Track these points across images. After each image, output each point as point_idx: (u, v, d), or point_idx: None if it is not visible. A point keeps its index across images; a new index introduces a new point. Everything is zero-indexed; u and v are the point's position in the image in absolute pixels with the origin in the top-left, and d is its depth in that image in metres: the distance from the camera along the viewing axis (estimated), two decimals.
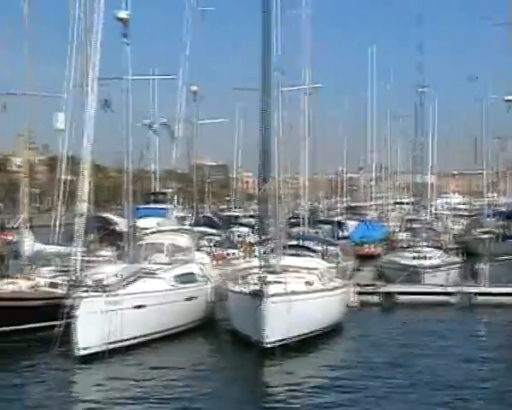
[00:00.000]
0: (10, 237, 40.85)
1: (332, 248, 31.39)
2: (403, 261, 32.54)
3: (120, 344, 19.10)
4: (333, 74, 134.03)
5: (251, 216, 62.87)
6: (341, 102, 71.22)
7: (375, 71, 64.72)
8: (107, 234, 30.24)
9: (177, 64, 36.66)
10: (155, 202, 47.80)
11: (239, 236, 41.91)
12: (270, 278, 19.89)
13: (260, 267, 20.27)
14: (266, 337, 18.93)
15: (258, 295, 18.92)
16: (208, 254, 29.06)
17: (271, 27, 23.93)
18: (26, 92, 26.31)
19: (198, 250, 27.99)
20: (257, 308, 18.87)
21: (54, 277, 23.78)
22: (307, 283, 22.06)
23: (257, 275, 19.89)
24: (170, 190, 46.23)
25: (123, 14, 23.16)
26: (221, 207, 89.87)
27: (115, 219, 33.40)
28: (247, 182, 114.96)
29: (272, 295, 19.10)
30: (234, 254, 31.85)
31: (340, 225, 44.79)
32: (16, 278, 23.75)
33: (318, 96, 44.67)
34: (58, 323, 18.13)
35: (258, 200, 23.50)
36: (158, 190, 58.29)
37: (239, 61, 60.11)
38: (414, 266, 30.93)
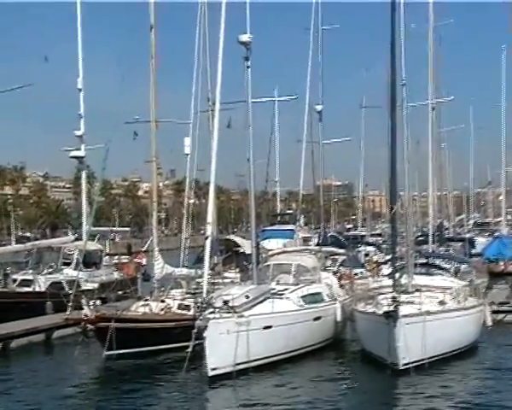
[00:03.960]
0: (140, 260, 42.14)
1: (464, 265, 30.09)
2: None
3: (248, 365, 19.05)
4: (462, 84, 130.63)
5: (378, 235, 61.95)
6: (468, 114, 68.56)
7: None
8: (230, 256, 30.42)
9: (301, 84, 36.72)
10: (281, 223, 47.81)
11: (366, 255, 41.20)
12: (402, 298, 19.31)
13: (393, 287, 19.61)
14: (401, 359, 18.48)
15: (391, 316, 18.45)
16: (334, 273, 28.56)
17: (397, 43, 23.32)
18: (153, 119, 26.84)
19: (324, 270, 27.60)
20: (391, 329, 18.42)
21: (183, 299, 24.09)
22: (441, 302, 21.25)
23: (389, 295, 19.27)
24: (297, 211, 46.08)
25: (245, 37, 23.29)
26: (347, 226, 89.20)
27: (239, 240, 33.55)
28: (372, 201, 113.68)
29: (406, 316, 18.61)
30: (361, 273, 31.26)
31: (471, 242, 43.05)
32: (148, 300, 24.24)
33: (444, 110, 43.59)
34: (188, 344, 18.24)
35: (390, 219, 22.82)
36: (284, 212, 58.40)
37: (364, 79, 59.44)
38: None
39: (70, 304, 22.17)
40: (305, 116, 37.16)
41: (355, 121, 61.66)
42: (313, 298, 22.82)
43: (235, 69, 25.22)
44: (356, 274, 30.10)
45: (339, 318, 23.30)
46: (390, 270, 23.98)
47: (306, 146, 37.40)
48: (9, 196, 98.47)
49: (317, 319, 22.22)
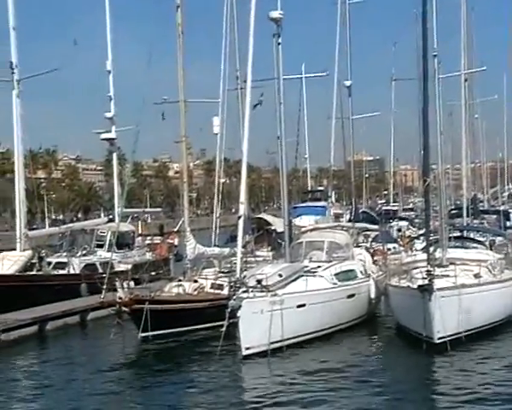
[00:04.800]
0: (172, 241, 42.33)
1: (499, 238, 29.66)
2: None
3: (282, 344, 18.98)
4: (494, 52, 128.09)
5: (410, 209, 61.42)
6: (502, 83, 66.83)
7: None
8: (261, 234, 30.37)
9: (329, 59, 36.28)
10: (313, 199, 47.60)
11: (399, 230, 40.89)
12: (436, 271, 19.10)
13: (427, 261, 19.38)
14: (436, 333, 18.31)
15: (426, 290, 18.24)
16: (367, 249, 28.36)
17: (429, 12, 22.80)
18: (181, 99, 26.74)
19: (356, 246, 27.40)
20: (425, 303, 18.23)
21: (216, 278, 24.09)
22: (476, 275, 20.99)
23: (423, 269, 19.04)
24: (328, 188, 45.80)
25: (276, 14, 22.97)
26: (379, 201, 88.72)
27: (270, 219, 33.49)
28: (404, 175, 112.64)
29: (441, 289, 18.41)
30: (394, 248, 31.01)
31: (505, 214, 42.43)
32: (181, 280, 24.30)
33: (477, 80, 42.88)
34: (222, 323, 18.24)
35: (423, 192, 22.49)
36: (315, 188, 58.15)
37: (392, 51, 58.60)
38: None
39: (104, 287, 22.31)
40: (334, 92, 36.77)
41: (384, 95, 60.85)
42: (346, 275, 22.66)
43: (262, 46, 24.98)
44: (389, 249, 29.88)
45: (373, 294, 23.15)
46: (423, 244, 23.73)
47: (336, 122, 37.05)
48: (42, 180, 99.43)
49: (350, 296, 22.08)
